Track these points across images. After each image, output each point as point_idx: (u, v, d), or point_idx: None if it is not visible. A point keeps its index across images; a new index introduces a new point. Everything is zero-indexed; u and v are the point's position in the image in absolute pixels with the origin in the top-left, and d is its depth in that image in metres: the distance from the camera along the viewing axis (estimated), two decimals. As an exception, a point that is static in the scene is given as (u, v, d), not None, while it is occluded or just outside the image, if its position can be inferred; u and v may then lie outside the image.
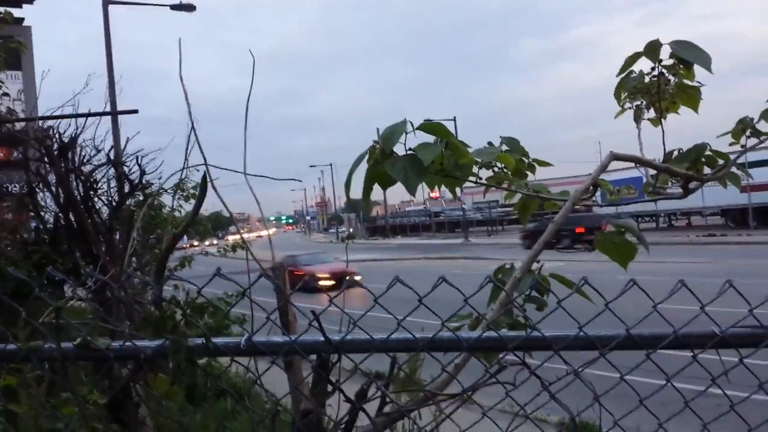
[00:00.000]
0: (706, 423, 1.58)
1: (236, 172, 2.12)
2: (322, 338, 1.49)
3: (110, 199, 5.74)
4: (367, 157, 2.01)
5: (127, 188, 5.63)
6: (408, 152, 1.96)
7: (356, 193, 2.07)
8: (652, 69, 2.28)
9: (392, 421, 1.63)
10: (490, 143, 2.34)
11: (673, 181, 2.46)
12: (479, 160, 2.19)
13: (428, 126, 2.04)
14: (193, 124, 1.81)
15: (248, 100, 2.27)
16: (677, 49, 2.16)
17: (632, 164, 2.33)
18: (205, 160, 1.89)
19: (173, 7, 20.92)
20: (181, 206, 8.40)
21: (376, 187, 2.06)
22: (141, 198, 5.53)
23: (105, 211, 5.67)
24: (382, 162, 1.99)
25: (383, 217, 76.45)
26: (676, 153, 2.42)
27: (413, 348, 1.50)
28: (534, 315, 1.75)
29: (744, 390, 1.60)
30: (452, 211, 64.45)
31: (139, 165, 5.55)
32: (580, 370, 1.52)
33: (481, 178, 2.25)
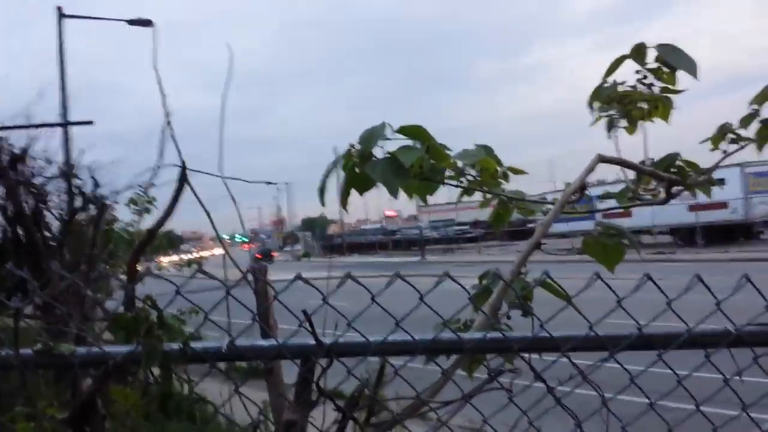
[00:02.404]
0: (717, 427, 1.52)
1: (212, 175, 2.00)
2: (312, 341, 1.38)
3: (61, 213, 5.50)
4: (342, 162, 1.96)
5: (80, 202, 5.40)
6: (386, 155, 1.92)
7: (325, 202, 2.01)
8: (637, 72, 2.25)
9: (383, 431, 1.52)
10: (465, 150, 2.31)
11: (647, 189, 2.46)
12: (460, 163, 2.17)
13: (408, 129, 2.01)
14: (168, 116, 1.69)
15: (223, 106, 2.16)
16: (663, 52, 2.15)
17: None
18: (180, 155, 1.77)
19: (131, 22, 20.35)
20: (135, 221, 8.16)
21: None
22: (94, 212, 5.30)
23: (55, 226, 5.43)
24: (361, 165, 1.95)
25: (339, 235, 76.05)
26: (648, 162, 2.41)
27: (412, 350, 1.40)
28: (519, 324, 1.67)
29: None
30: (408, 230, 64.80)
31: (93, 178, 5.33)
32: (590, 370, 1.44)
33: (462, 181, 2.23)
